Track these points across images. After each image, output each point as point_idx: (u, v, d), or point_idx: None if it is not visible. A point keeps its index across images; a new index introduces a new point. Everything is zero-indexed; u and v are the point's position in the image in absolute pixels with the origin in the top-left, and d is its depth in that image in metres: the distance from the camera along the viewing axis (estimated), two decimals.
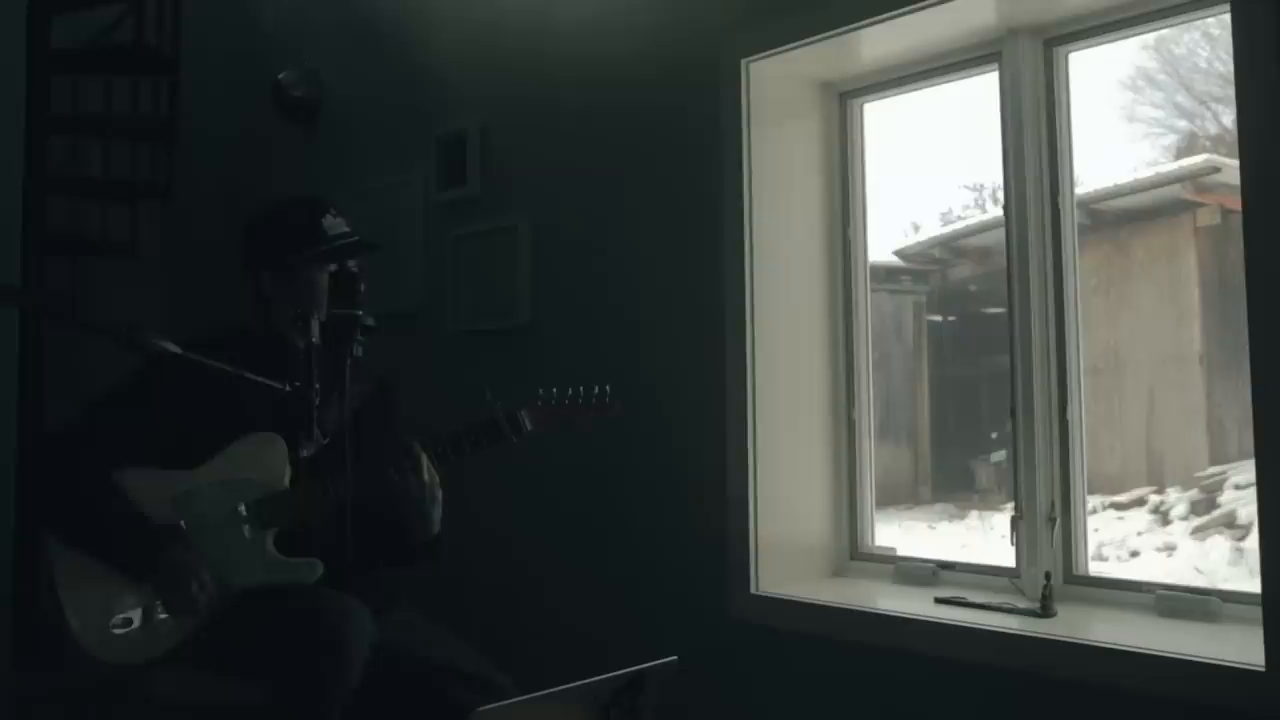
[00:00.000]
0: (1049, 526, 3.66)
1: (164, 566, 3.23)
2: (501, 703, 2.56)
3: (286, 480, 3.39)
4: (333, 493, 3.32)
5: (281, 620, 3.18)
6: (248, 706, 3.24)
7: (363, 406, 3.56)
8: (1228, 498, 4.26)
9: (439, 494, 3.44)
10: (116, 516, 3.29)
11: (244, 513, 3.35)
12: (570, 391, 3.55)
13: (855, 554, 4.28)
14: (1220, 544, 4.25)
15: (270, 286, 3.61)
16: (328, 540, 3.36)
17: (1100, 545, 3.95)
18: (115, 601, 3.26)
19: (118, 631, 3.25)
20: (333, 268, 3.58)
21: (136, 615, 3.26)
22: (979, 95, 3.96)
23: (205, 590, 3.23)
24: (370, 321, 3.34)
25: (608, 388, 3.57)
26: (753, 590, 4.06)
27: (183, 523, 3.30)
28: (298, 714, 3.05)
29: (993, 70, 3.87)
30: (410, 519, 3.45)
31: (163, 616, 3.27)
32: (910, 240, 4.89)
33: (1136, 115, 4.04)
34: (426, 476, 3.37)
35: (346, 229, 3.64)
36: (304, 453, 3.29)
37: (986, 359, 4.42)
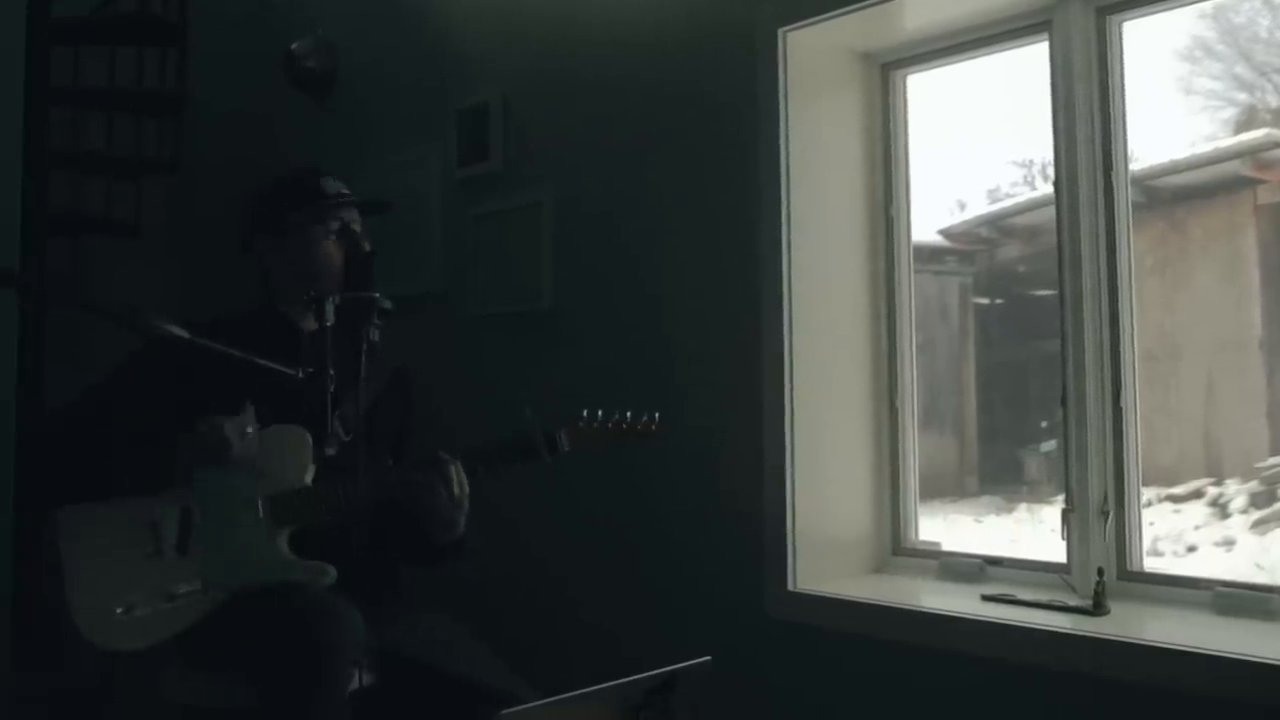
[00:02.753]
0: (1101, 520, 3.67)
1: (196, 430, 3.30)
2: (529, 704, 2.59)
3: (309, 477, 3.43)
4: (357, 492, 3.36)
5: (268, 623, 3.21)
6: (245, 709, 3.28)
7: (380, 397, 3.59)
8: None
9: (466, 503, 3.49)
10: (130, 442, 3.37)
11: (260, 507, 3.40)
12: (616, 415, 3.60)
13: (898, 549, 4.30)
14: None
15: (268, 251, 3.66)
16: (343, 541, 3.40)
17: (1155, 540, 3.94)
18: (121, 587, 3.30)
19: (120, 618, 3.29)
20: (335, 226, 3.61)
21: (140, 602, 3.30)
22: (1028, 66, 3.96)
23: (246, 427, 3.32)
24: (387, 304, 3.36)
25: (656, 414, 3.62)
26: (790, 587, 4.07)
27: (195, 509, 3.35)
28: (288, 716, 3.10)
29: (1043, 40, 3.88)
30: (435, 526, 3.49)
31: (168, 593, 3.31)
32: (955, 219, 4.88)
33: (1194, 87, 4.03)
34: (457, 490, 3.43)
35: (345, 190, 3.69)
36: (329, 451, 3.32)
37: (1036, 343, 4.41)
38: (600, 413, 3.60)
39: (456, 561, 3.64)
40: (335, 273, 3.52)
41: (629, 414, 3.62)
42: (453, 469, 3.42)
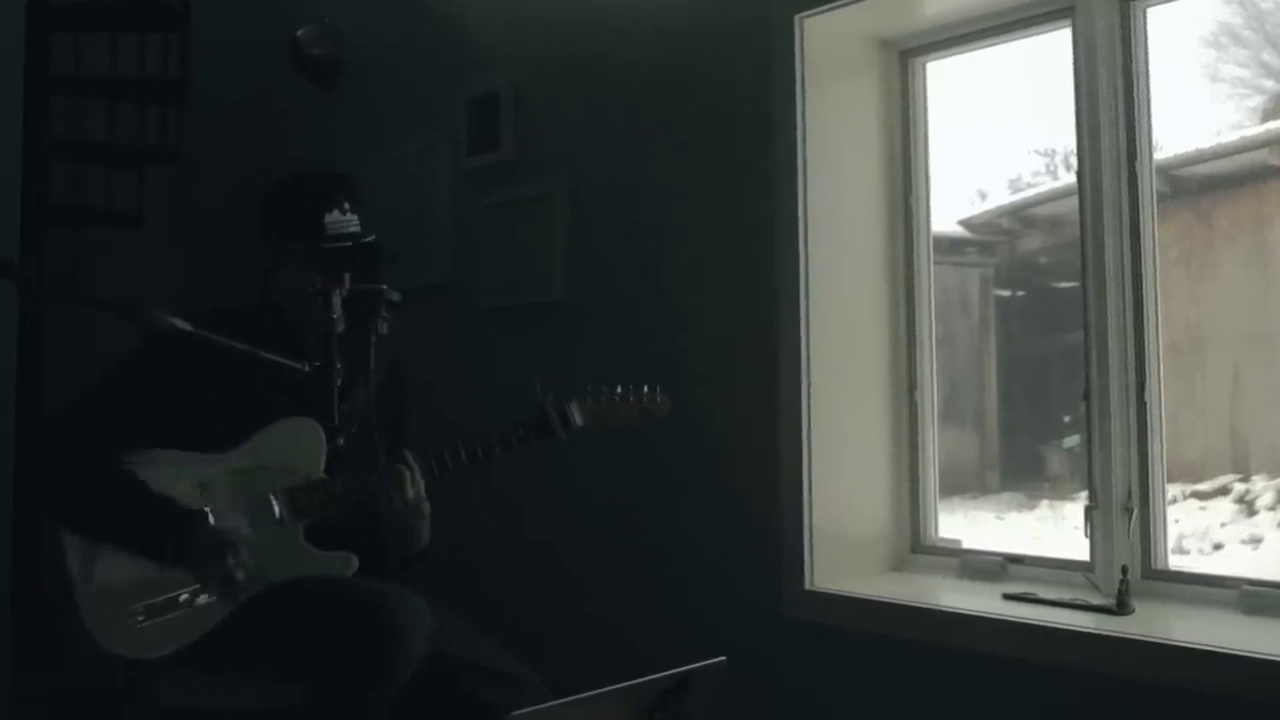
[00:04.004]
0: (1125, 517, 3.67)
1: (196, 547, 3.26)
2: (540, 705, 2.60)
3: (322, 468, 3.44)
4: (372, 483, 3.37)
5: (341, 612, 3.22)
6: (255, 711, 3.30)
7: (380, 392, 3.59)
8: None
9: (425, 508, 3.50)
10: (133, 500, 3.32)
11: (275, 502, 3.41)
12: (619, 389, 3.60)
13: (917, 546, 4.31)
14: None
15: (266, 258, 3.66)
16: (361, 533, 3.42)
17: (1181, 537, 3.94)
18: (135, 591, 3.32)
19: (136, 624, 3.31)
20: (327, 264, 3.60)
21: (156, 606, 3.32)
22: (1051, 53, 3.96)
23: (245, 568, 3.27)
24: (395, 296, 3.36)
25: (658, 387, 3.62)
26: (807, 586, 4.08)
27: (208, 509, 3.32)
28: (347, 710, 3.11)
29: (1065, 26, 3.87)
30: (392, 534, 3.51)
31: (185, 598, 3.32)
32: (976, 209, 4.89)
33: (1220, 75, 4.03)
34: (410, 493, 3.42)
35: (352, 229, 3.59)
36: (340, 442, 3.32)
37: (1058, 336, 4.42)
38: (604, 387, 3.62)
39: (410, 573, 3.63)
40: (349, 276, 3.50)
41: (631, 387, 3.63)
42: (406, 473, 3.42)
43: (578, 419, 3.56)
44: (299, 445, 3.44)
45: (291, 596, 3.33)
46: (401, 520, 3.47)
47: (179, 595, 3.32)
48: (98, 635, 3.31)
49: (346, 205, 3.59)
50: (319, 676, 3.15)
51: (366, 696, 3.08)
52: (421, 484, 3.45)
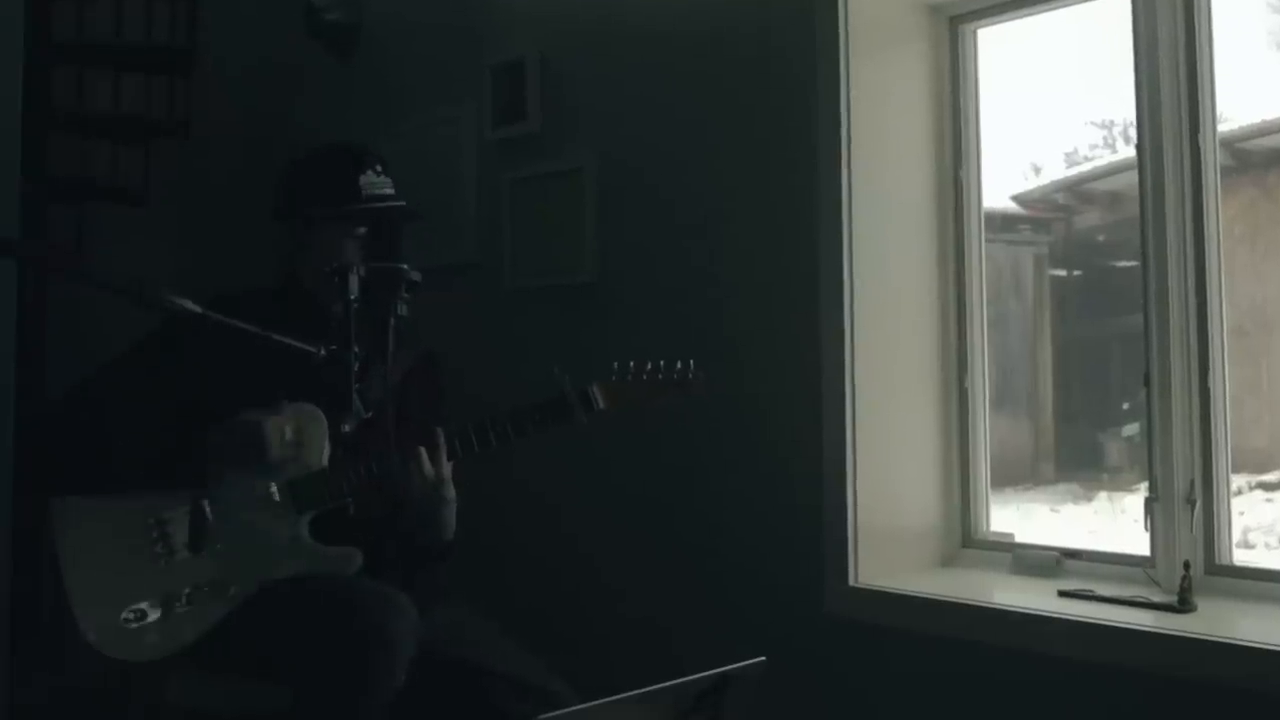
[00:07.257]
0: (1188, 509, 3.68)
1: (231, 428, 3.37)
2: (569, 709, 2.61)
3: (326, 459, 3.46)
4: (377, 474, 3.38)
5: (320, 615, 3.24)
6: (267, 712, 3.32)
7: (407, 379, 3.62)
8: None
9: (450, 494, 3.49)
10: (150, 432, 3.41)
11: (277, 494, 3.43)
12: (649, 365, 3.60)
13: (968, 540, 4.32)
14: None
15: (294, 239, 3.69)
16: (369, 527, 3.43)
17: (1246, 531, 3.94)
18: (128, 591, 3.34)
19: (130, 626, 3.32)
20: (363, 231, 3.63)
21: (151, 607, 3.33)
22: (1109, 19, 3.96)
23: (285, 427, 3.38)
24: (416, 276, 3.36)
25: (691, 362, 3.62)
26: (851, 582, 4.09)
27: (205, 504, 3.36)
28: (337, 717, 3.14)
29: None
30: (413, 521, 3.52)
31: (180, 601, 3.36)
32: (1030, 184, 4.88)
33: None
34: (429, 471, 3.42)
35: (388, 190, 3.68)
36: (345, 428, 3.33)
37: (1117, 319, 4.41)
38: (632, 364, 3.61)
39: (438, 566, 3.66)
40: (367, 255, 3.54)
41: (662, 363, 3.64)
42: (424, 451, 3.42)
43: (600, 401, 3.56)
44: (302, 435, 3.46)
45: (281, 598, 3.36)
46: (422, 506, 3.48)
47: (179, 593, 3.35)
48: (89, 636, 3.31)
49: (378, 168, 3.66)
50: (303, 684, 3.18)
51: (354, 704, 3.10)
52: (446, 465, 3.45)
